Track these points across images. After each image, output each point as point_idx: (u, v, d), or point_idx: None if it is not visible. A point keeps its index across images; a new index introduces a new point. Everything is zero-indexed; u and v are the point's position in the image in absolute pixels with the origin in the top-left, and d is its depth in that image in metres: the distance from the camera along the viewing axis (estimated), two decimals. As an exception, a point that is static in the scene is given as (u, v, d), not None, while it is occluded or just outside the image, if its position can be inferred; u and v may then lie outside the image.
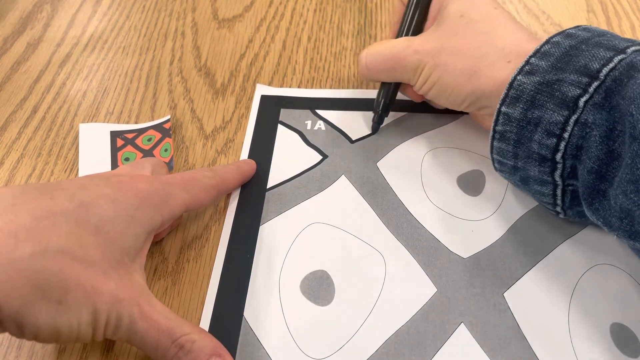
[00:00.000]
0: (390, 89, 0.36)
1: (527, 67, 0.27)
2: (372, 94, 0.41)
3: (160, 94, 0.42)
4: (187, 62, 0.45)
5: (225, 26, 0.48)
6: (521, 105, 0.27)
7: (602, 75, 0.25)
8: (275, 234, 0.32)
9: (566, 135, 0.26)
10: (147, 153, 0.37)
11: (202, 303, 0.30)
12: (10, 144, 0.38)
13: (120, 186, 0.26)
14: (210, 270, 0.31)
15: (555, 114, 0.26)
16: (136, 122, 0.40)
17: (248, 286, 0.30)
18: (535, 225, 0.32)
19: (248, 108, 0.40)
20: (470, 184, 0.34)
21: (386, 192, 0.34)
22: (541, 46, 0.28)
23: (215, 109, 0.40)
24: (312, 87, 0.42)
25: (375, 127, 0.38)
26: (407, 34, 0.35)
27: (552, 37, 0.28)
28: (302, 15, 0.49)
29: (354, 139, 0.38)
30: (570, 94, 0.26)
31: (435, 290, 0.30)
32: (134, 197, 0.26)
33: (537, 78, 0.27)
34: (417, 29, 0.35)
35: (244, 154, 0.37)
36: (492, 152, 0.30)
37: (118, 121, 0.40)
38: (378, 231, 0.32)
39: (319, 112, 0.40)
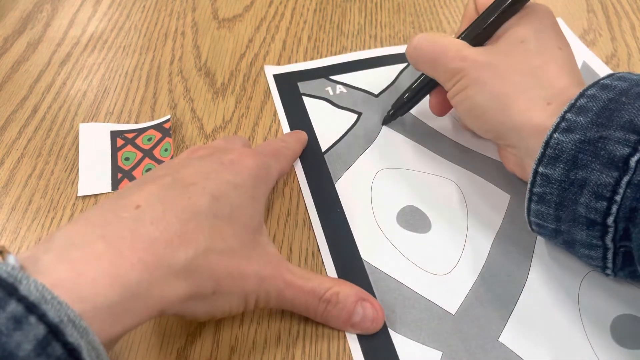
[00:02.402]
0: (418, 86, 0.36)
1: (563, 124, 0.25)
2: (372, 53, 0.44)
3: (160, 94, 0.42)
4: (187, 61, 0.45)
5: (226, 26, 0.48)
6: (562, 166, 0.25)
7: None
8: (352, 187, 0.35)
9: (618, 197, 0.24)
10: (147, 153, 0.37)
11: (322, 265, 0.31)
12: (11, 144, 0.38)
13: (234, 168, 0.27)
14: (312, 235, 0.32)
15: (604, 175, 0.24)
16: (136, 122, 0.40)
17: (353, 235, 0.32)
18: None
19: (248, 108, 0.40)
20: None
21: (427, 130, 0.38)
22: (576, 100, 0.26)
23: (216, 108, 0.40)
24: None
25: (386, 119, 0.38)
26: (467, 39, 0.33)
27: (586, 90, 0.26)
28: (302, 15, 0.49)
29: (376, 93, 0.41)
30: (618, 153, 0.23)
31: (509, 196, 0.34)
32: (248, 176, 0.28)
33: (577, 136, 0.25)
34: (480, 41, 0.33)
35: (285, 129, 0.39)
36: (529, 215, 0.28)
37: (118, 121, 0.40)
38: (438, 163, 0.36)
39: (333, 77, 0.42)
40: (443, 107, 0.35)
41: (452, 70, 0.31)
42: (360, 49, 0.45)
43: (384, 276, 0.30)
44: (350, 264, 0.31)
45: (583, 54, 0.43)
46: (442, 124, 0.38)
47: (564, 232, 0.27)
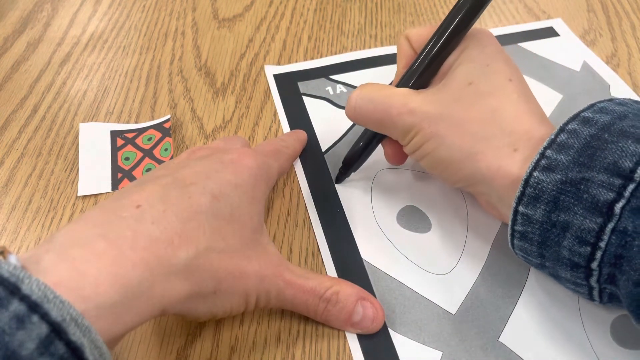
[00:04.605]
0: (366, 143, 0.33)
1: (543, 162, 0.24)
2: (372, 52, 0.44)
3: (160, 94, 0.42)
4: (187, 61, 0.45)
5: (226, 26, 0.48)
6: (542, 207, 0.24)
7: (637, 176, 0.22)
8: (352, 187, 0.35)
9: (602, 244, 0.23)
10: (147, 152, 0.37)
11: (322, 265, 0.31)
12: (11, 144, 0.38)
13: (234, 168, 0.27)
14: (312, 235, 0.32)
15: (587, 221, 0.23)
16: (136, 122, 0.40)
17: (353, 235, 0.32)
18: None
19: (248, 108, 0.40)
20: None
21: None
22: (556, 135, 0.24)
23: (216, 108, 0.40)
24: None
25: (338, 179, 0.35)
26: (409, 85, 0.30)
27: (566, 124, 0.24)
28: (302, 14, 0.49)
29: None
30: (602, 198, 0.22)
31: None
32: (248, 176, 0.27)
33: (558, 176, 0.23)
34: (424, 83, 0.30)
35: (285, 129, 0.39)
36: (513, 248, 0.27)
37: (118, 121, 0.40)
38: None
39: (333, 77, 0.42)
40: (400, 157, 0.33)
41: (402, 128, 0.29)
42: (360, 49, 0.45)
43: (384, 276, 0.30)
44: (350, 264, 0.31)
45: (583, 54, 0.43)
46: None
47: (549, 267, 0.26)
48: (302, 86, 0.42)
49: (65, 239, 0.21)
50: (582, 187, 0.23)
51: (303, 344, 0.28)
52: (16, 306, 0.17)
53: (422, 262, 0.31)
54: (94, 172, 0.36)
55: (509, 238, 0.27)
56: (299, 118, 0.39)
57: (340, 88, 0.41)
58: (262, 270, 0.26)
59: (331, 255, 0.31)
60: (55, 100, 0.42)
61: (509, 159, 0.26)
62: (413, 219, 0.33)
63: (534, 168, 0.24)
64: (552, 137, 0.24)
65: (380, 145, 0.33)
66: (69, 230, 0.22)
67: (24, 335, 0.17)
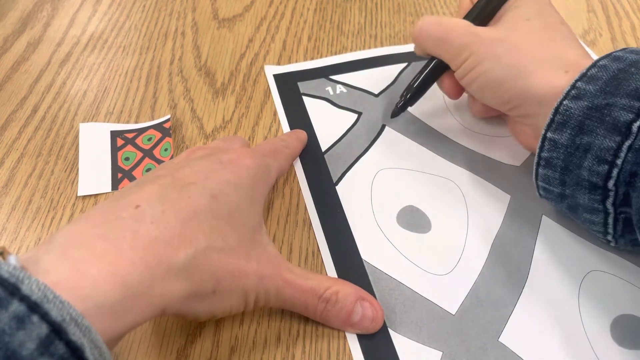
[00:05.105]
0: (427, 74, 0.35)
1: (573, 92, 0.27)
2: (372, 53, 0.44)
3: (160, 94, 0.42)
4: (187, 61, 0.45)
5: (226, 26, 0.48)
6: (569, 131, 0.26)
7: None
8: (352, 187, 0.35)
9: (619, 161, 0.25)
10: (147, 153, 0.37)
11: (322, 265, 0.31)
12: (11, 144, 0.38)
13: (233, 167, 0.28)
14: (312, 235, 0.32)
15: (607, 140, 0.25)
16: (136, 122, 0.40)
17: (353, 235, 0.32)
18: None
19: (248, 108, 0.40)
20: None
21: (427, 130, 0.38)
22: (588, 69, 0.27)
23: (216, 108, 0.40)
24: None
25: (396, 112, 0.37)
26: (471, 20, 0.34)
27: (598, 60, 0.27)
28: (302, 14, 0.49)
29: (376, 92, 0.41)
30: (622, 119, 0.25)
31: (509, 196, 0.34)
32: (247, 176, 0.28)
33: (585, 103, 0.26)
34: (481, 21, 0.34)
35: (285, 129, 0.39)
36: (536, 179, 0.29)
37: (118, 121, 0.40)
38: (438, 163, 0.36)
39: (333, 77, 0.42)
40: (457, 89, 0.35)
41: (460, 46, 0.32)
42: (360, 49, 0.45)
43: (384, 276, 0.30)
44: (350, 264, 0.31)
45: (583, 54, 0.43)
46: (442, 124, 0.38)
47: (569, 196, 0.28)
48: (302, 86, 0.42)
49: (65, 239, 0.21)
50: (605, 111, 0.25)
51: (303, 344, 0.28)
52: (16, 306, 0.17)
53: (422, 262, 0.31)
54: (94, 172, 0.36)
55: (534, 168, 0.29)
56: (299, 118, 0.39)
57: (340, 88, 0.41)
58: (262, 269, 0.26)
59: (331, 255, 0.31)
60: (55, 100, 0.42)
61: (562, 78, 0.28)
62: (413, 219, 0.33)
63: (565, 97, 0.27)
64: (584, 71, 0.27)
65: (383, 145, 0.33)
66: (68, 231, 0.22)
67: (24, 336, 0.17)
